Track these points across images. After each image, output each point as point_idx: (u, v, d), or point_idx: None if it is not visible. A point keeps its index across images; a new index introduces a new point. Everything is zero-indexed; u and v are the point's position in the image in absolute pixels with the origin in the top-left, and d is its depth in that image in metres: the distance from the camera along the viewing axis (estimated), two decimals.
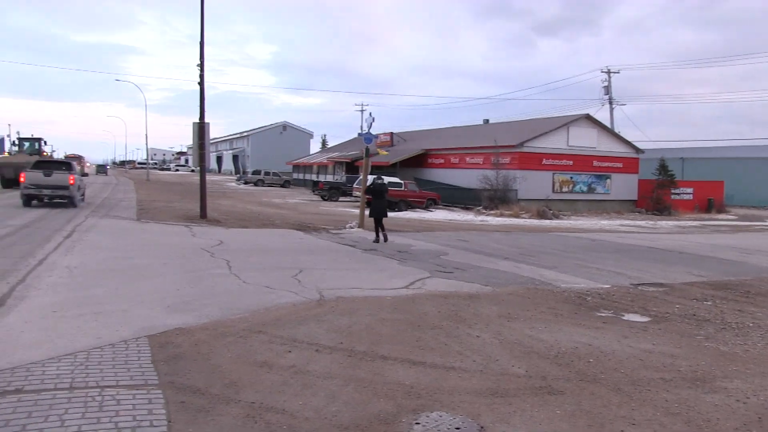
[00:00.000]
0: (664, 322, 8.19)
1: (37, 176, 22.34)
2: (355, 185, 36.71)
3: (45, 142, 40.45)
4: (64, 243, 13.39)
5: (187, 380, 5.19)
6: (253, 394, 4.92)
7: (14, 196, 26.55)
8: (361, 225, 19.92)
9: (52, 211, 21.56)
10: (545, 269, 12.42)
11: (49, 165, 23.83)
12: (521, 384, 5.49)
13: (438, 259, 13.24)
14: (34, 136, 40.97)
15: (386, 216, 16.83)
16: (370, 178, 19.42)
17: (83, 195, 27.04)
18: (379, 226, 16.43)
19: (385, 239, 16.09)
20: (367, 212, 18.61)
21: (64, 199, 23.07)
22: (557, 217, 30.82)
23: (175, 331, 6.65)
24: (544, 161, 35.60)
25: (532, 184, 34.15)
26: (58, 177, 22.58)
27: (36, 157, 31.56)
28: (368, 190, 17.29)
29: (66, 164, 24.85)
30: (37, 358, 5.59)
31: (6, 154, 43.06)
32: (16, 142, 40.55)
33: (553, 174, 36.05)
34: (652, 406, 5.04)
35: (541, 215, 30.44)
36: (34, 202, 23.13)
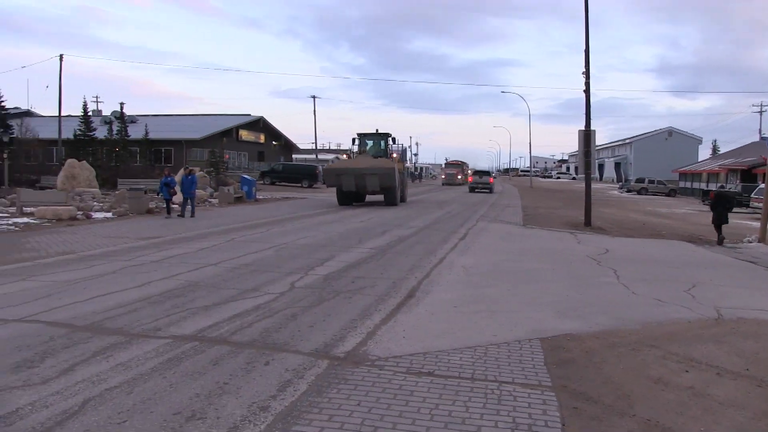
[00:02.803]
0: None
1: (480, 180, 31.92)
2: (753, 195, 33.64)
3: (394, 140, 31.75)
4: (459, 244, 14.65)
5: (579, 386, 5.21)
6: (648, 411, 4.71)
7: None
8: (762, 239, 17.59)
9: (448, 214, 23.74)
10: None
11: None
12: None
13: None
14: (380, 132, 31.62)
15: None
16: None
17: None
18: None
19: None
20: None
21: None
22: None
23: (565, 336, 6.73)
24: None
25: None
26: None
27: (384, 160, 28.22)
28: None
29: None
30: (442, 347, 6.23)
31: (345, 156, 36.31)
32: (356, 140, 31.57)
33: None
34: None
35: None
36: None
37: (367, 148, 31.20)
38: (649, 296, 8.97)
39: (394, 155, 31.19)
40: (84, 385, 5.01)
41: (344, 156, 36.95)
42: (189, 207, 22.03)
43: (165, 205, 22.39)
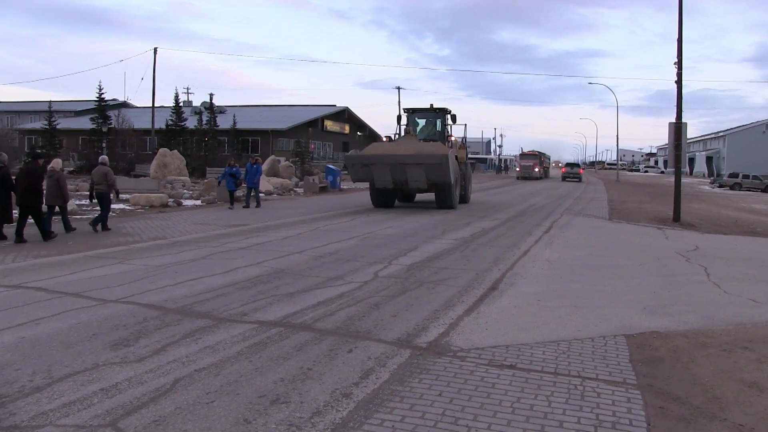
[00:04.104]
0: None
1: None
2: None
3: (454, 118, 24.07)
4: (543, 238, 14.43)
5: (666, 386, 5.05)
6: (742, 416, 4.52)
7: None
8: None
9: (531, 207, 23.39)
10: None
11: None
12: None
13: None
14: (435, 107, 24.06)
15: None
16: None
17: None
18: None
19: None
20: None
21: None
22: None
23: (652, 333, 6.54)
24: None
25: None
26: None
27: (436, 145, 21.09)
28: None
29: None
30: (525, 340, 6.18)
31: (385, 138, 26.22)
32: (402, 118, 24.28)
33: None
34: None
35: None
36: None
37: (418, 129, 24.00)
38: (743, 296, 8.57)
39: (453, 138, 24.42)
40: (175, 365, 5.26)
41: (384, 139, 26.71)
42: (254, 197, 21.64)
43: (229, 197, 21.53)
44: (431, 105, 23.83)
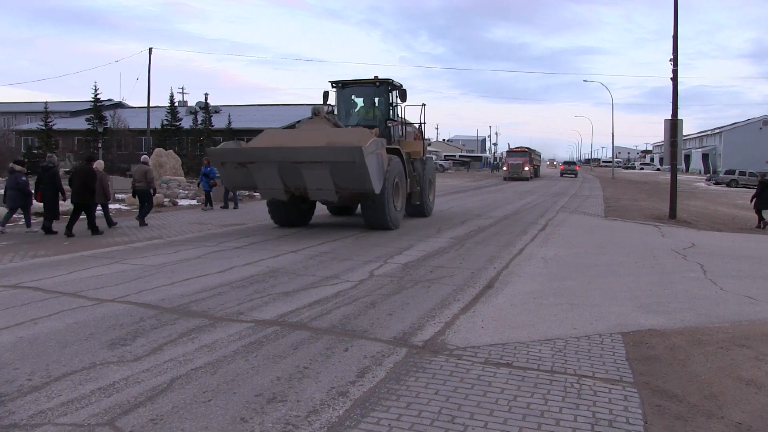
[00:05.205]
0: None
1: None
2: None
3: (404, 95, 16.80)
4: (539, 236, 14.45)
5: (663, 384, 5.06)
6: (740, 414, 4.52)
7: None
8: None
9: (526, 205, 23.39)
10: None
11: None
12: None
13: None
14: (379, 78, 16.68)
15: None
16: None
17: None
18: None
19: None
20: None
21: None
22: None
23: (648, 331, 6.55)
24: None
25: None
26: None
27: (356, 131, 14.28)
28: None
29: None
30: (521, 339, 6.18)
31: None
32: (329, 96, 17.44)
33: None
34: None
35: None
36: None
37: (355, 111, 17.40)
38: (740, 293, 8.60)
39: (402, 124, 17.49)
40: (172, 365, 5.25)
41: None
42: (232, 198, 21.20)
43: (205, 198, 20.95)
44: (375, 77, 16.52)
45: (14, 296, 7.65)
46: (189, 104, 62.06)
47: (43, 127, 45.10)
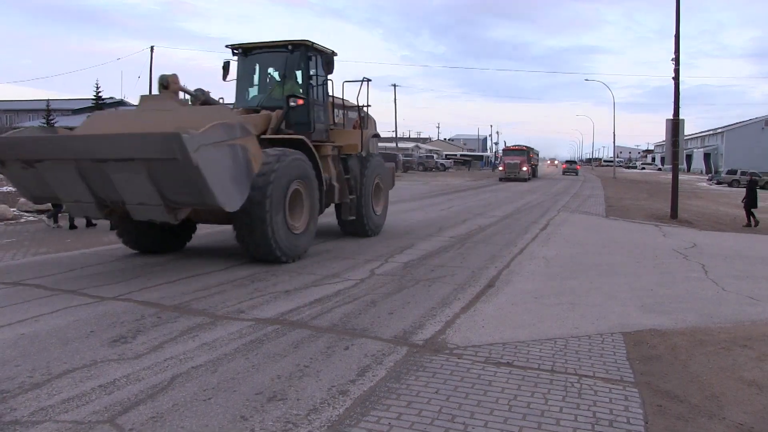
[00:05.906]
0: None
1: None
2: None
3: (330, 65, 12.21)
4: (540, 235, 14.44)
5: (663, 384, 5.06)
6: (741, 415, 4.52)
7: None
8: None
9: (527, 204, 23.39)
10: None
11: None
12: None
13: None
14: (292, 40, 11.72)
15: None
16: None
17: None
18: None
19: None
20: None
21: None
22: None
23: (649, 331, 6.54)
24: None
25: None
26: None
27: (214, 112, 9.67)
28: None
29: None
30: (522, 338, 6.18)
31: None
32: (229, 66, 12.43)
33: None
34: None
35: None
36: None
37: (260, 85, 12.47)
38: (742, 293, 8.58)
39: (329, 100, 12.78)
40: (172, 362, 5.26)
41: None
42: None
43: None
44: (290, 40, 11.89)
45: (16, 293, 7.66)
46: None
47: (45, 125, 45.12)
